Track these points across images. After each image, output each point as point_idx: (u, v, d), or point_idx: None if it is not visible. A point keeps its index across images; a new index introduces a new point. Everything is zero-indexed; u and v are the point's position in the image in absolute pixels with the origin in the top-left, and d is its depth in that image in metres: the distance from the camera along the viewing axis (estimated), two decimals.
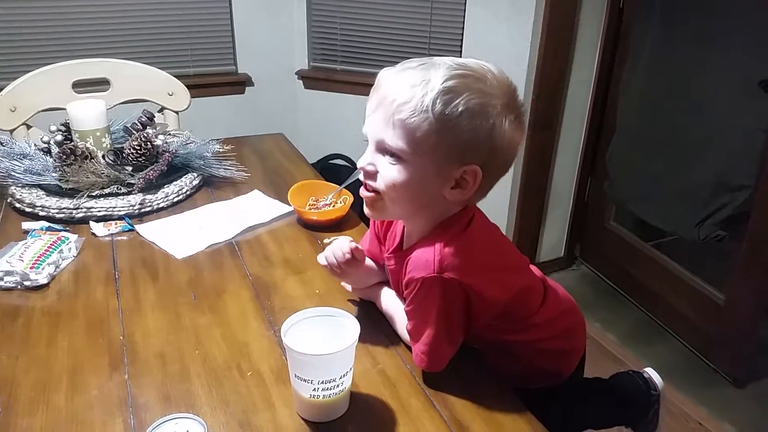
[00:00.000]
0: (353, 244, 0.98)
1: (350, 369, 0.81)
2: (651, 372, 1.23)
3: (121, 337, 0.99)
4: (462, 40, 2.49)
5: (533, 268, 1.03)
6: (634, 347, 2.34)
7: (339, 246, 0.99)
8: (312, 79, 2.92)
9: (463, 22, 2.46)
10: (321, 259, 1.01)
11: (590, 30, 2.40)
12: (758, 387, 2.14)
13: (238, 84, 2.85)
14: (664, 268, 2.41)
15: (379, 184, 0.87)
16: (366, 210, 0.93)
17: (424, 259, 0.86)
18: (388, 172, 0.85)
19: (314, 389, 0.79)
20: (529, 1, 2.27)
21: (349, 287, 1.11)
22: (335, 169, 2.76)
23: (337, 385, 0.80)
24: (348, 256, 0.97)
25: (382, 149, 0.85)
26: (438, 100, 0.79)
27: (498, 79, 0.83)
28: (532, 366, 1.00)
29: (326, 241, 1.28)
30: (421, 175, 0.84)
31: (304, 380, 0.79)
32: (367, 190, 0.89)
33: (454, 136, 0.81)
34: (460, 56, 2.43)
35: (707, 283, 2.25)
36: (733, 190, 2.04)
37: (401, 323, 0.97)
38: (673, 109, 2.26)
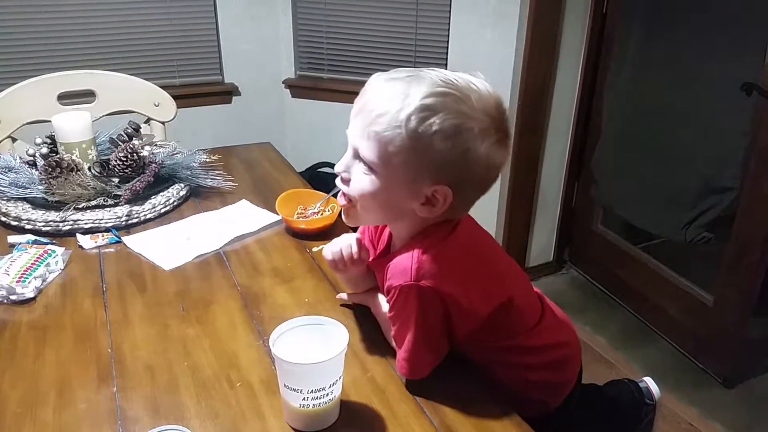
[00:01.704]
0: (357, 242, 0.99)
1: (339, 377, 0.81)
2: (649, 381, 1.22)
3: (109, 350, 0.98)
4: (447, 46, 2.50)
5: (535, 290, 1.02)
6: (624, 350, 2.35)
7: (347, 241, 0.99)
8: (299, 88, 2.92)
9: (449, 29, 2.47)
10: (327, 253, 1.01)
11: (574, 35, 2.42)
12: (747, 386, 2.16)
13: (224, 93, 2.85)
14: (652, 271, 2.43)
15: (352, 191, 0.87)
16: (343, 217, 0.93)
17: (402, 267, 0.86)
18: (360, 182, 0.86)
19: (304, 398, 0.79)
20: (513, 8, 2.28)
21: (344, 295, 1.10)
22: (323, 178, 2.76)
23: (327, 394, 0.80)
24: (356, 253, 0.98)
25: (358, 157, 0.85)
26: (413, 117, 0.78)
27: (483, 100, 0.81)
28: (521, 395, 0.96)
29: (315, 249, 1.29)
30: (390, 189, 0.84)
31: (294, 390, 0.79)
32: (343, 198, 0.90)
33: (426, 155, 0.80)
34: (446, 63, 2.48)
35: (695, 284, 2.26)
36: (719, 192, 2.06)
37: (388, 329, 0.97)
38: (657, 113, 2.28)
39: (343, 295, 1.11)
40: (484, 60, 2.38)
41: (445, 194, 0.83)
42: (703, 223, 2.12)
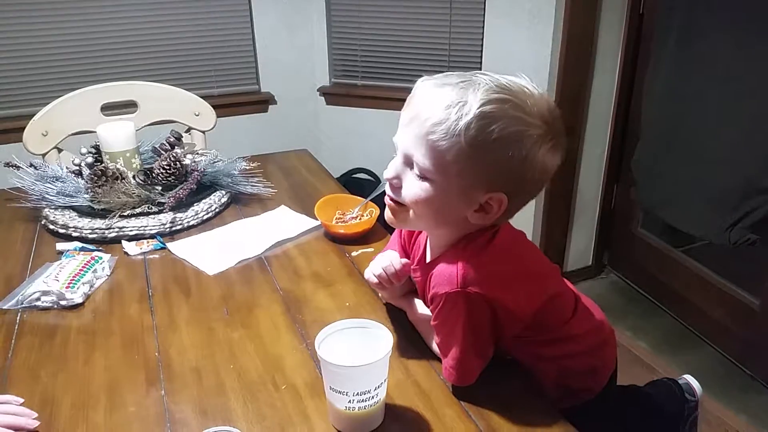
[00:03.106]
0: (403, 260, 0.99)
1: (385, 380, 0.81)
2: (689, 378, 1.20)
3: (157, 354, 1.00)
4: (482, 50, 2.49)
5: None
6: (667, 355, 2.30)
7: (387, 260, 0.99)
8: (333, 95, 2.94)
9: (483, 33, 2.47)
10: (369, 276, 1.01)
11: (611, 36, 2.39)
12: None
13: (261, 102, 2.88)
14: (695, 274, 2.37)
15: (404, 198, 0.87)
16: (388, 217, 0.93)
17: (447, 274, 0.85)
18: (413, 188, 0.85)
19: (349, 401, 0.79)
20: (548, 10, 2.27)
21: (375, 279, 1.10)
22: (359, 184, 2.77)
23: (372, 397, 0.80)
24: (400, 271, 0.98)
25: (410, 164, 0.84)
26: (472, 125, 0.76)
27: (538, 105, 0.80)
28: (563, 383, 0.97)
29: (354, 254, 1.30)
30: (444, 196, 0.83)
31: (339, 392, 0.79)
32: (392, 200, 0.90)
33: (484, 163, 0.79)
34: (480, 67, 2.47)
35: (741, 287, 2.20)
36: (764, 193, 2.01)
37: (430, 336, 0.97)
38: (698, 113, 2.23)
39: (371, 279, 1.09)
40: (519, 63, 2.36)
41: (501, 201, 0.82)
42: (747, 224, 2.06)
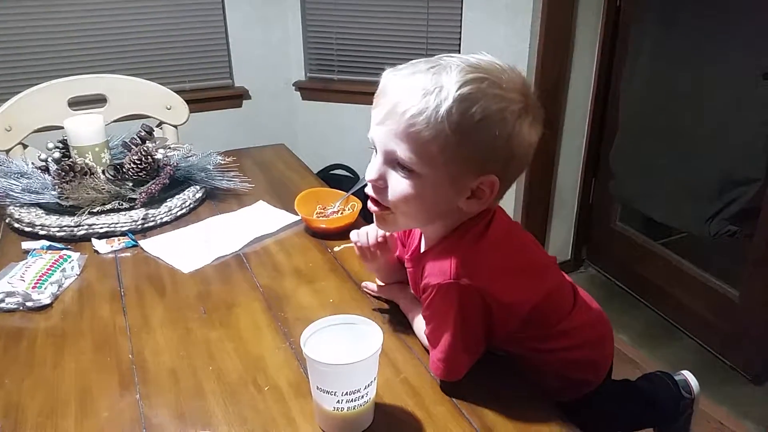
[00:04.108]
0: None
1: (374, 378, 0.77)
2: (688, 375, 1.19)
3: (131, 356, 0.95)
4: (460, 45, 2.47)
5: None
6: (648, 348, 2.29)
7: (373, 229, 0.97)
8: (309, 90, 2.89)
9: (460, 27, 2.44)
10: (353, 235, 1.01)
11: (588, 29, 2.38)
12: None
13: (235, 98, 2.82)
14: (674, 267, 2.38)
15: (390, 198, 0.82)
16: (376, 224, 0.89)
17: (440, 265, 0.82)
18: (400, 186, 0.80)
19: (338, 401, 0.75)
20: (526, 3, 2.25)
21: (371, 285, 1.08)
22: (337, 179, 2.73)
23: (362, 396, 0.76)
24: (381, 239, 0.96)
25: (392, 161, 0.80)
26: (454, 110, 0.73)
27: (513, 80, 0.78)
28: (561, 377, 0.94)
29: (336, 249, 1.26)
30: (434, 189, 0.79)
31: (327, 392, 0.75)
32: (375, 205, 0.85)
33: (472, 147, 0.76)
34: None
35: (720, 279, 2.21)
36: (743, 184, 2.01)
37: (420, 327, 0.94)
38: (676, 105, 2.24)
39: (370, 285, 1.08)
40: (497, 56, 2.31)
41: (492, 184, 0.79)
42: (727, 215, 2.06)
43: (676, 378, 1.20)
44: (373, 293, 1.08)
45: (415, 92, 0.75)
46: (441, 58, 0.79)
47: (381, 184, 0.82)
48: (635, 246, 2.56)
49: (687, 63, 2.17)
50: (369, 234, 0.98)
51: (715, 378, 2.12)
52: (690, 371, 1.24)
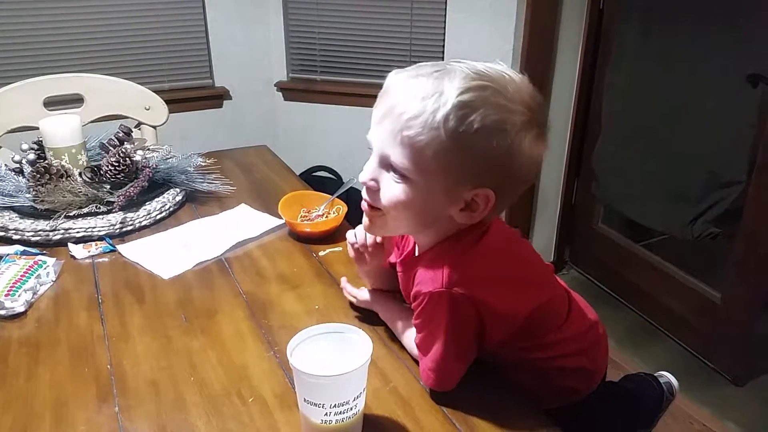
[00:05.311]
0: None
1: (364, 389, 0.75)
2: (670, 377, 1.18)
3: (109, 366, 0.92)
4: (444, 45, 2.45)
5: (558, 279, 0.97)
6: (631, 350, 2.30)
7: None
8: (291, 91, 2.86)
9: (444, 28, 2.43)
10: (350, 235, 0.98)
11: (571, 31, 2.38)
12: (759, 384, 2.12)
13: (215, 98, 2.78)
14: (656, 269, 2.39)
15: (381, 201, 0.80)
16: (365, 225, 0.87)
17: (432, 273, 0.80)
18: (391, 191, 0.78)
19: (326, 414, 0.73)
20: (510, 4, 2.25)
21: (353, 290, 1.04)
22: (319, 182, 2.70)
23: (351, 408, 0.74)
24: (378, 240, 0.94)
25: (386, 165, 0.78)
26: (451, 116, 0.71)
27: (520, 91, 0.75)
28: (553, 385, 0.92)
29: (322, 253, 1.23)
30: (426, 196, 0.77)
31: (315, 405, 0.72)
32: (368, 205, 0.83)
33: (467, 157, 0.74)
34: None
35: (702, 281, 2.22)
36: (725, 186, 2.02)
37: (409, 336, 0.91)
38: (659, 108, 2.25)
39: (349, 287, 1.04)
40: (481, 58, 2.26)
41: (487, 197, 0.77)
42: (710, 218, 2.08)
43: (661, 380, 1.20)
44: (352, 303, 1.05)
45: (415, 95, 0.73)
46: (448, 63, 0.76)
47: (374, 186, 0.80)
48: (617, 248, 2.57)
49: (670, 65, 2.18)
50: (367, 235, 0.95)
51: (698, 380, 2.13)
52: (672, 373, 1.25)
